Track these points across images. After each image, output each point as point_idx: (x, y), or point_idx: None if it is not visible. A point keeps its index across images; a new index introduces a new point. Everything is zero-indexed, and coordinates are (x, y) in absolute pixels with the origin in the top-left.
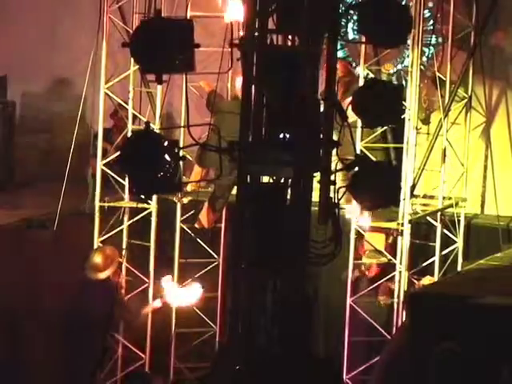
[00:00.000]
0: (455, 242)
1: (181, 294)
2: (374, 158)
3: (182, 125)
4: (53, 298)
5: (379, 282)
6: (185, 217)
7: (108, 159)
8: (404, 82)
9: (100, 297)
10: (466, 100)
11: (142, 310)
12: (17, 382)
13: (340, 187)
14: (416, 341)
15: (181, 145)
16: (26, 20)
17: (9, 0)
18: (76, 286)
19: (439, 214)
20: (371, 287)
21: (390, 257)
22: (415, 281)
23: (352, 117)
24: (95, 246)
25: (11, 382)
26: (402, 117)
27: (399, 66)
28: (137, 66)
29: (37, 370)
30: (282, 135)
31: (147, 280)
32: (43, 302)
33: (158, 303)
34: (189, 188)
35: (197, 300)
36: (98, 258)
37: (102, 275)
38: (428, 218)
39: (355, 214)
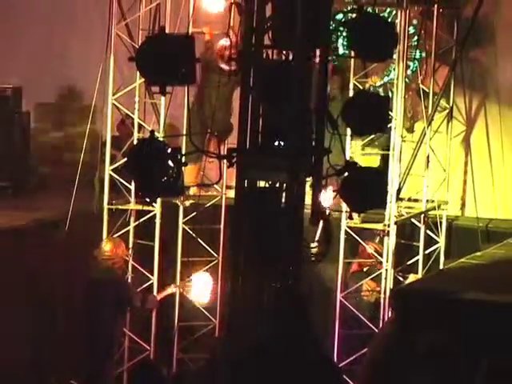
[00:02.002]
0: (438, 242)
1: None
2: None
3: (184, 133)
4: (68, 286)
5: (364, 281)
6: (187, 218)
7: (116, 165)
8: (390, 94)
9: (109, 283)
10: (447, 110)
11: (158, 295)
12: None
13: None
14: (401, 334)
15: (183, 152)
16: (38, 34)
17: (21, 14)
18: (87, 275)
19: (423, 215)
20: (357, 285)
21: (377, 255)
22: (401, 278)
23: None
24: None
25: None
26: (389, 126)
27: (386, 79)
28: (142, 79)
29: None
30: (276, 143)
31: (152, 277)
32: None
33: (172, 289)
34: (191, 191)
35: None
36: (107, 245)
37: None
38: (412, 219)
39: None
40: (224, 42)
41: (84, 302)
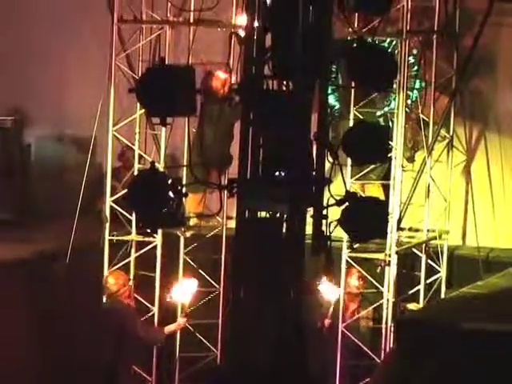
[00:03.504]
0: (439, 271)
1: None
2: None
3: (185, 164)
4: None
5: (364, 312)
6: (188, 249)
7: (116, 196)
8: (390, 124)
9: (113, 312)
10: (447, 140)
11: (167, 328)
12: None
13: (331, 221)
14: (403, 364)
15: (183, 182)
16: (38, 66)
17: (21, 45)
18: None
19: (424, 245)
20: (355, 317)
21: (377, 285)
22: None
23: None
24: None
25: None
26: (389, 155)
27: (386, 109)
28: (142, 110)
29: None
30: (277, 173)
31: (153, 308)
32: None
33: (181, 321)
34: (191, 222)
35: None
36: (111, 279)
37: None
38: (413, 249)
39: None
40: (222, 75)
41: (88, 330)
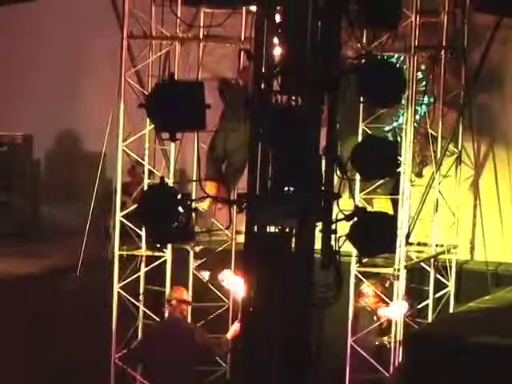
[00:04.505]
0: (447, 285)
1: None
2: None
3: (194, 179)
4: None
5: (376, 324)
6: (197, 264)
7: (126, 211)
8: (399, 139)
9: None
10: (456, 155)
11: (229, 335)
12: None
13: (340, 236)
14: (413, 377)
15: (193, 197)
16: (48, 81)
17: (31, 60)
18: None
19: (432, 260)
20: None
21: (387, 300)
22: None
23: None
24: (115, 292)
25: None
26: (398, 170)
27: (394, 124)
28: (152, 125)
29: None
30: (286, 188)
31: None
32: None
33: (236, 325)
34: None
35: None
36: (175, 294)
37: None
38: (422, 263)
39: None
40: None
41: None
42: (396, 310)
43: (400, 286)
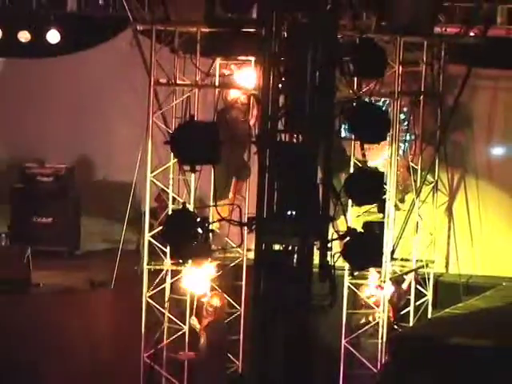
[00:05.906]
0: (426, 295)
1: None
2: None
3: (211, 204)
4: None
5: (367, 326)
6: (214, 276)
7: (153, 232)
8: (384, 170)
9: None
10: (433, 184)
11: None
12: None
13: (335, 253)
14: (397, 372)
15: (210, 220)
16: (88, 122)
17: (72, 103)
18: None
19: (413, 273)
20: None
21: (375, 307)
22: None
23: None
24: (143, 301)
25: None
26: (383, 197)
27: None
28: (175, 159)
29: None
30: (289, 212)
31: (184, 327)
32: None
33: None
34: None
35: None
36: (215, 300)
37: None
38: (404, 276)
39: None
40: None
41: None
42: (384, 291)
43: (386, 295)
